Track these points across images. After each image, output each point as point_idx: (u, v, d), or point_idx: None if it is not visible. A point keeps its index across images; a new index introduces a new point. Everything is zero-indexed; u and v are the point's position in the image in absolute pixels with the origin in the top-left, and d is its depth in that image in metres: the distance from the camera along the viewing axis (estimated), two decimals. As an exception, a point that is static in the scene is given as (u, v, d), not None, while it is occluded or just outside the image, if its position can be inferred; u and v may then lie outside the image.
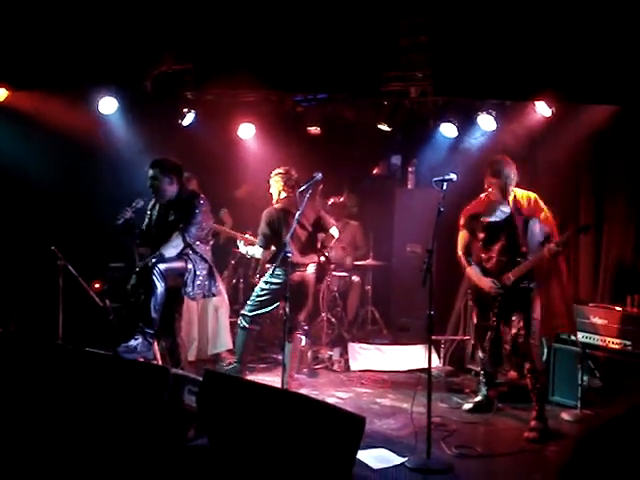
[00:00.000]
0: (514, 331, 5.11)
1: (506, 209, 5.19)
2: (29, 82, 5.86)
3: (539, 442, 4.82)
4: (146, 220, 5.52)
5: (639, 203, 6.09)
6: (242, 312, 6.13)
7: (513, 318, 5.14)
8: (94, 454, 3.53)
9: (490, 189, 5.20)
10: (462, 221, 5.40)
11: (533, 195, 5.20)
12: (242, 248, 6.25)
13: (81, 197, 6.98)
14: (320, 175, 5.78)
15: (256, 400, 3.39)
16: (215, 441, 3.49)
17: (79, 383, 3.90)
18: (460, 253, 5.40)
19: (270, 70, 5.58)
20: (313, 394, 5.70)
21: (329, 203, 8.06)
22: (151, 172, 5.29)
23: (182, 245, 5.19)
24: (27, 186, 6.79)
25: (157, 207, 5.49)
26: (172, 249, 5.14)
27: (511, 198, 5.17)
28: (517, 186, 5.26)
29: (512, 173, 5.15)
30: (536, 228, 5.12)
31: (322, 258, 6.33)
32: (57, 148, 6.75)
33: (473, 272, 5.34)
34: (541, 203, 5.17)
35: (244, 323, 6.03)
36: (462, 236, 5.42)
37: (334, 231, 6.26)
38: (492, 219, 5.25)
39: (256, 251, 6.12)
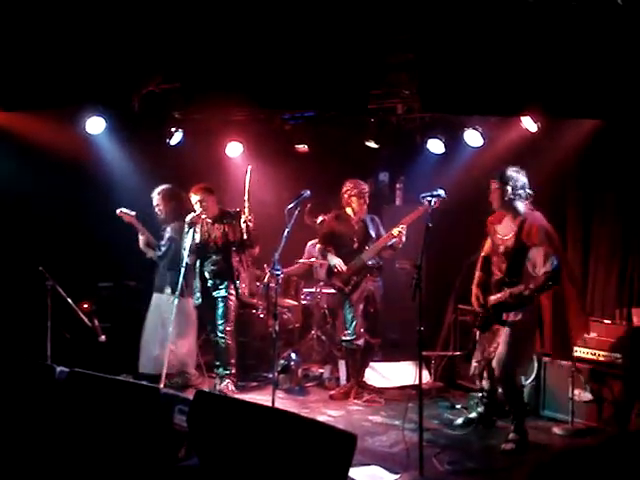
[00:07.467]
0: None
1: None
2: (16, 103, 5.84)
3: (516, 454, 4.83)
4: (195, 239, 6.25)
5: (627, 216, 6.13)
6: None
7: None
8: (84, 476, 3.49)
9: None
10: None
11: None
12: None
13: (69, 217, 6.96)
14: (308, 193, 5.79)
15: (247, 419, 3.37)
16: (206, 461, 3.46)
17: (68, 404, 3.86)
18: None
19: (258, 89, 5.60)
20: (304, 412, 5.67)
21: (317, 222, 8.06)
22: (198, 197, 6.27)
23: None
24: (14, 206, 6.75)
25: (197, 228, 6.30)
26: None
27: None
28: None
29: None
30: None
31: None
32: (44, 168, 6.72)
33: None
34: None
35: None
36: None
37: None
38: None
39: None
